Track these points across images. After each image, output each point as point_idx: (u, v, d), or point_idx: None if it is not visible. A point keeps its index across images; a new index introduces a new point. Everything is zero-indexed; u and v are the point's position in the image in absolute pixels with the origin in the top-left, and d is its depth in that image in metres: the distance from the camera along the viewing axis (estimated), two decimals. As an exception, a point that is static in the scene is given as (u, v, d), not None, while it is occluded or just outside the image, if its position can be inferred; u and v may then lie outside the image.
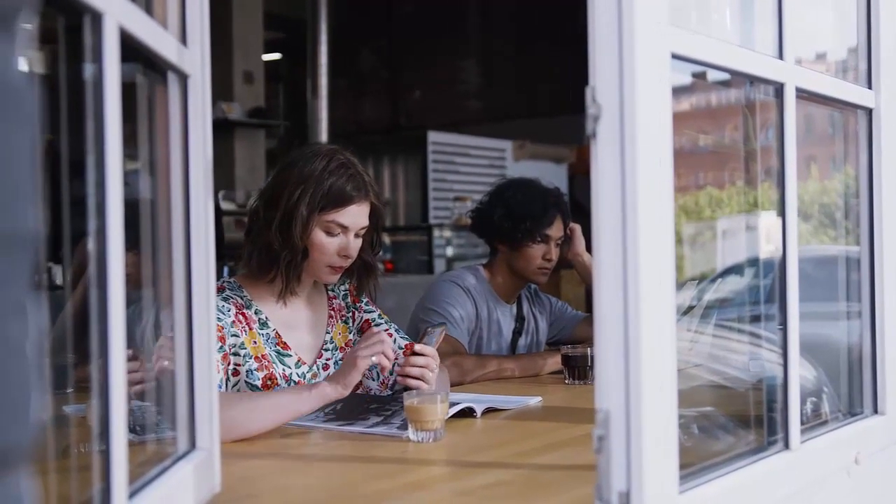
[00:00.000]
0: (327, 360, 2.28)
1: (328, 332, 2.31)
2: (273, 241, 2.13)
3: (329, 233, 2.16)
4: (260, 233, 2.16)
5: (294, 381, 2.18)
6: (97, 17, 0.97)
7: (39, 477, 0.75)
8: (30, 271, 0.52)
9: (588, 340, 2.88)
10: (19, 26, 0.51)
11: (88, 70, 0.99)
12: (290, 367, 2.18)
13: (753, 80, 1.51)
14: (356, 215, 2.17)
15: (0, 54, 0.49)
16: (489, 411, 2.13)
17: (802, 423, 1.50)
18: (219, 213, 3.99)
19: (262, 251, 2.17)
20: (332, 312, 2.34)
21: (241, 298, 2.18)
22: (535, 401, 2.30)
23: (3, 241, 0.49)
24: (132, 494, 1.07)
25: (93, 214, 0.98)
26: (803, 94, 1.53)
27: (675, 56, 1.22)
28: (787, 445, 1.47)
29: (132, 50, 1.09)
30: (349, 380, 1.94)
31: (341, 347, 2.32)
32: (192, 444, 1.34)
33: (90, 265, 1.00)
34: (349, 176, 2.16)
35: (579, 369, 2.59)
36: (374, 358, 1.95)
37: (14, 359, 0.51)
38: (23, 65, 0.51)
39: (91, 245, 0.99)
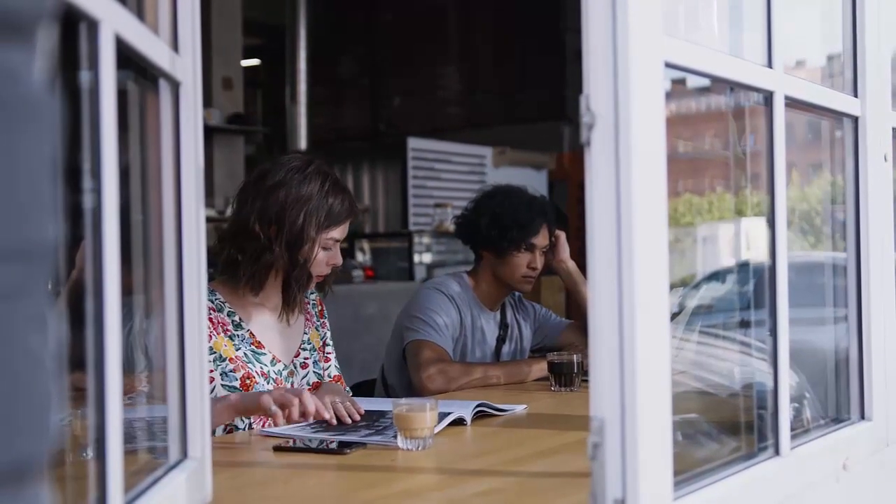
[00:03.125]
0: (305, 358, 2.36)
1: (306, 333, 2.39)
2: (278, 261, 2.21)
3: (325, 248, 2.26)
4: (260, 252, 2.20)
5: (272, 379, 2.25)
6: (93, 25, 0.96)
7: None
8: (48, 282, 0.52)
9: (572, 347, 2.88)
10: (38, 36, 0.51)
11: (84, 77, 0.98)
12: (266, 365, 2.24)
13: (744, 88, 1.52)
14: (346, 228, 2.31)
15: (20, 65, 0.49)
16: (479, 416, 2.14)
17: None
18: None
19: (263, 269, 2.22)
20: (308, 315, 2.43)
21: (212, 302, 2.22)
22: (521, 408, 2.30)
23: (24, 252, 0.48)
24: (126, 505, 1.06)
25: (89, 222, 0.97)
26: (791, 102, 1.54)
27: (668, 64, 1.22)
28: (777, 451, 1.48)
29: (125, 57, 1.08)
30: (249, 408, 1.98)
31: (319, 349, 2.41)
32: (184, 454, 1.33)
33: (82, 274, 0.99)
34: (343, 193, 2.28)
35: (565, 376, 2.60)
36: (273, 408, 1.91)
37: (35, 370, 0.50)
38: (42, 75, 0.51)
39: (86, 252, 0.98)
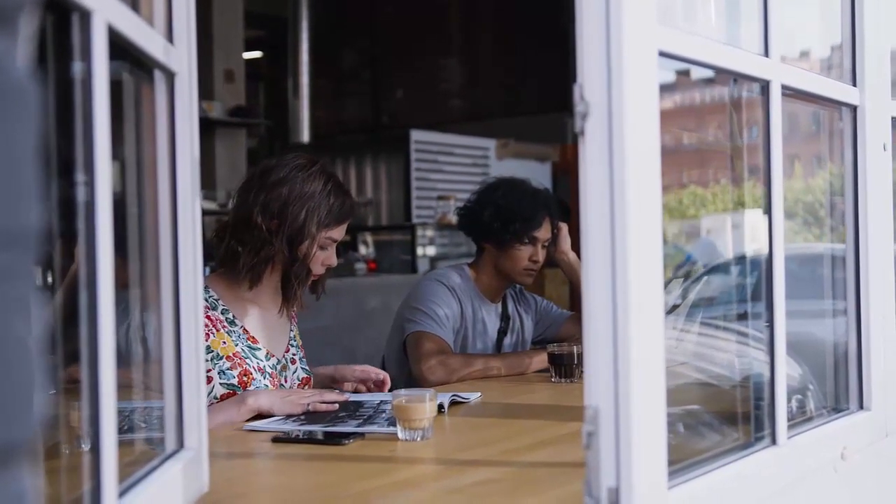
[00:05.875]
0: (293, 355, 2.40)
1: (292, 330, 2.43)
2: (277, 256, 2.23)
3: (322, 247, 2.28)
4: (261, 245, 2.22)
5: (268, 373, 2.27)
6: (86, 15, 0.96)
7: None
8: (32, 268, 0.52)
9: (574, 339, 2.88)
10: (21, 24, 0.51)
11: (76, 68, 0.98)
12: (262, 360, 2.27)
13: (740, 77, 1.52)
14: (344, 229, 2.34)
15: (2, 52, 0.49)
16: (453, 404, 2.18)
17: (788, 419, 1.51)
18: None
19: (262, 263, 2.24)
20: (293, 314, 2.45)
21: (206, 300, 2.22)
22: (475, 396, 2.33)
23: (7, 237, 0.49)
24: (121, 494, 1.06)
25: (82, 215, 0.97)
26: (789, 92, 1.54)
27: (662, 53, 1.22)
28: (774, 441, 1.48)
29: (119, 48, 1.08)
30: (277, 406, 2.09)
31: (301, 346, 2.45)
32: (181, 444, 1.34)
33: (77, 267, 0.99)
34: (345, 195, 2.30)
35: (565, 367, 2.60)
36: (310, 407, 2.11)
37: (18, 355, 0.51)
38: (24, 62, 0.51)
39: (80, 246, 0.98)
